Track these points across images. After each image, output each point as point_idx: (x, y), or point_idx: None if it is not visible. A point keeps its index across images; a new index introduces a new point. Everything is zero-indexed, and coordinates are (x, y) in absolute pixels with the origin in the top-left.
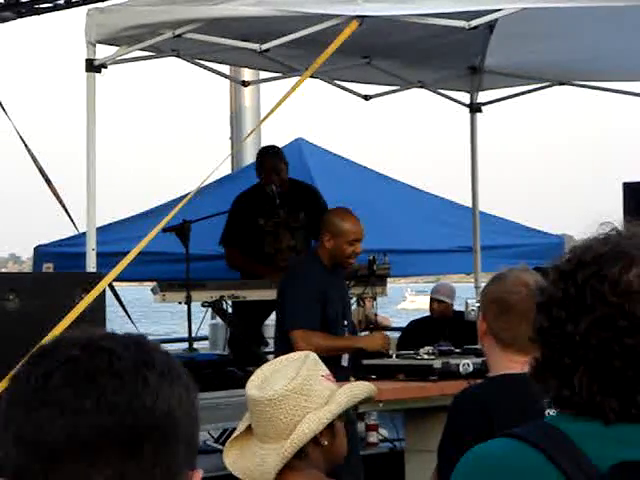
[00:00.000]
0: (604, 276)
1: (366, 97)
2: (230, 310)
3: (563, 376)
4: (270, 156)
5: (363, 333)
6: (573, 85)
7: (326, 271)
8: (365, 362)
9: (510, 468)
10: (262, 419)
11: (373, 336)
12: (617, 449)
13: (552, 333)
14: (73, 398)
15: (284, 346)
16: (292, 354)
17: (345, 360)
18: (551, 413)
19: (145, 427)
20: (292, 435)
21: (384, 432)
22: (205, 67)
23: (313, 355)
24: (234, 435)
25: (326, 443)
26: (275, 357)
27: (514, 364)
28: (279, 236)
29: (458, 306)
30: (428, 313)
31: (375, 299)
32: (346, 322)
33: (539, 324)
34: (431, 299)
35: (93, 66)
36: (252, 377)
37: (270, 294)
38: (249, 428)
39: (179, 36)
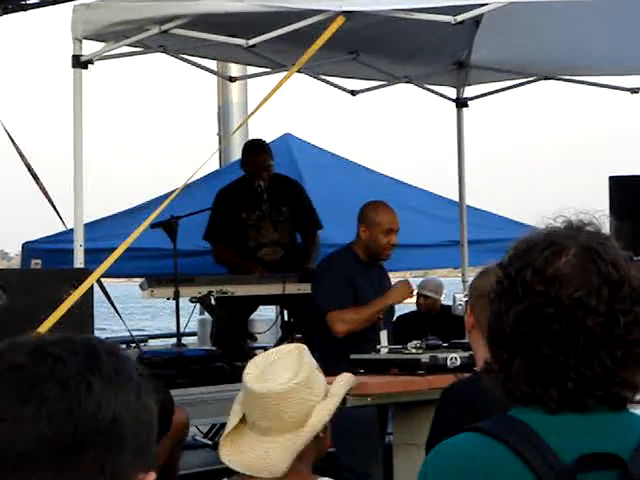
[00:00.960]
0: (531, 265)
1: (353, 92)
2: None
3: (505, 369)
4: (260, 152)
5: None
6: (559, 80)
7: (360, 263)
8: (353, 356)
9: (478, 465)
10: (268, 413)
11: (396, 289)
12: (580, 440)
13: (492, 328)
14: (15, 406)
15: (324, 331)
16: (282, 346)
17: (384, 339)
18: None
19: (86, 434)
20: (305, 428)
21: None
22: (192, 63)
23: (305, 347)
24: (227, 429)
25: (322, 435)
26: (318, 343)
27: None
28: (261, 229)
29: (446, 301)
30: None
31: None
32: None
33: (487, 320)
34: (418, 294)
35: (79, 62)
36: (247, 371)
37: (258, 289)
38: (241, 422)
39: (166, 32)
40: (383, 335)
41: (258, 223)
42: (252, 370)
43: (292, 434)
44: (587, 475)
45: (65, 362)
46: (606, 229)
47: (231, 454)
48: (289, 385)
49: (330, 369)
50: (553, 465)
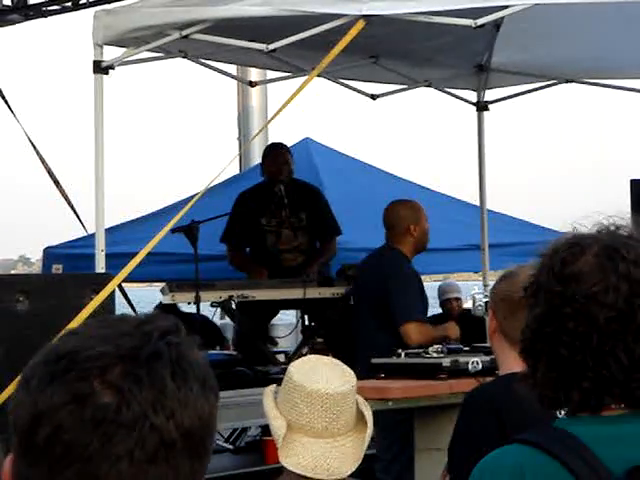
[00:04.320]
0: (550, 267)
1: (373, 96)
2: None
3: (532, 375)
4: (280, 150)
5: None
6: (580, 83)
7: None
8: (374, 361)
9: (526, 477)
10: (343, 413)
11: (452, 326)
12: (629, 451)
13: (522, 335)
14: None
15: (390, 336)
16: (310, 356)
17: None
18: (562, 412)
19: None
20: (368, 428)
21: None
22: (212, 68)
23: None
24: (281, 438)
25: None
26: (363, 351)
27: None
28: (281, 235)
29: (466, 304)
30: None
31: None
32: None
33: (521, 330)
34: (447, 300)
35: (100, 68)
36: (294, 374)
37: (279, 294)
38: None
39: (186, 37)
40: None
41: (278, 229)
42: (300, 372)
43: (351, 435)
44: None
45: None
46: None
47: (286, 456)
48: (348, 386)
49: None
50: (603, 477)
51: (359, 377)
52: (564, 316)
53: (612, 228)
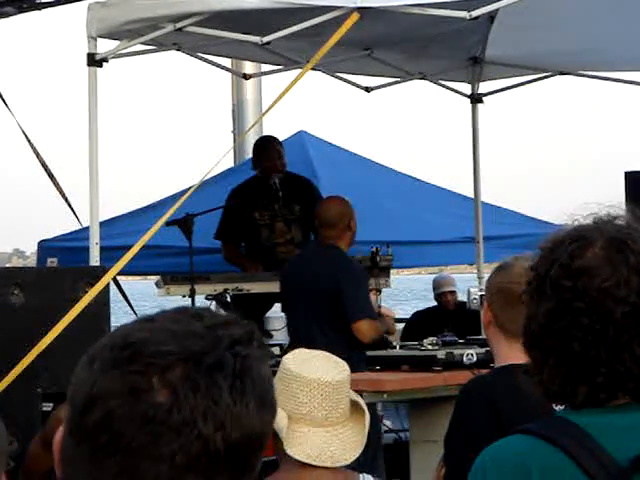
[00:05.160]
0: (557, 261)
1: (367, 89)
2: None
3: (539, 369)
4: (272, 143)
5: None
6: (574, 75)
7: None
8: (369, 353)
9: (531, 468)
10: (341, 401)
11: (389, 320)
12: (633, 440)
13: (527, 329)
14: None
15: (341, 332)
16: (300, 349)
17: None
18: (559, 405)
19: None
20: (366, 416)
21: (388, 423)
22: (206, 60)
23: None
24: (284, 429)
25: None
26: (325, 342)
27: (520, 354)
28: (275, 229)
29: (460, 296)
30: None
31: (380, 292)
32: None
33: (523, 324)
34: (443, 292)
35: (94, 60)
36: (290, 365)
37: (274, 287)
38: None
39: (180, 29)
40: None
41: (271, 222)
42: (296, 363)
43: (347, 424)
44: None
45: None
46: (634, 221)
47: (290, 445)
48: (345, 375)
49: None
50: (608, 466)
51: None
52: (576, 311)
53: (608, 219)
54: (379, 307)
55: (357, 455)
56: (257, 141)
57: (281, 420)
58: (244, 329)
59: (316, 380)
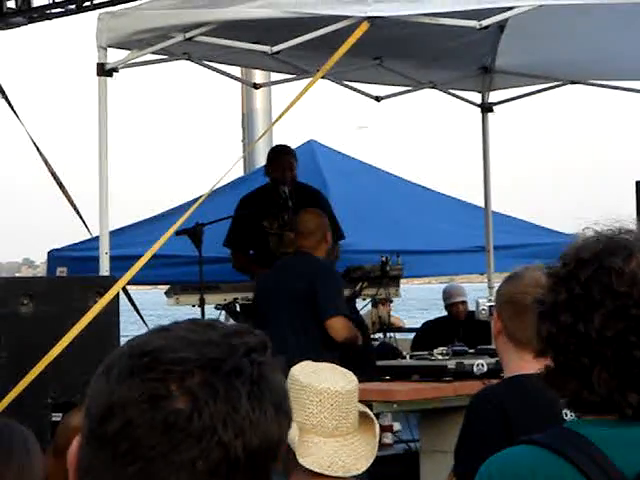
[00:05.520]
0: (608, 268)
1: (377, 98)
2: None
3: (581, 377)
4: (284, 153)
5: (377, 334)
6: (585, 84)
7: None
8: (379, 363)
9: (535, 478)
10: (351, 411)
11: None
12: (638, 453)
13: (563, 337)
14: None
15: (314, 333)
16: (308, 361)
17: None
18: (569, 414)
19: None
20: (376, 425)
21: (397, 426)
22: (216, 70)
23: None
24: (296, 439)
25: None
26: (296, 342)
27: (529, 364)
28: (283, 238)
29: (470, 306)
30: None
31: (390, 302)
32: None
33: (546, 332)
34: (454, 303)
35: (104, 70)
36: (298, 376)
37: None
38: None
39: (190, 39)
40: None
41: (280, 232)
42: (305, 374)
43: (357, 435)
44: None
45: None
46: None
47: (301, 455)
48: (354, 385)
49: None
50: (614, 479)
51: None
52: (634, 318)
53: (627, 229)
54: (389, 316)
55: (368, 464)
56: (270, 149)
57: (292, 431)
58: (258, 338)
59: (326, 390)
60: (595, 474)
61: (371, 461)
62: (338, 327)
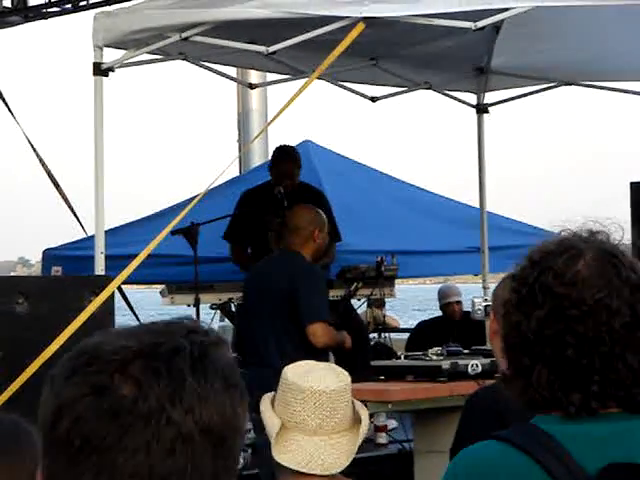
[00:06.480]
0: (550, 269)
1: (373, 99)
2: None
3: (525, 377)
4: (286, 159)
5: (371, 335)
6: (580, 85)
7: None
8: (374, 363)
9: (500, 474)
10: (337, 410)
11: (347, 336)
12: (603, 449)
13: (511, 337)
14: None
15: (294, 333)
16: (306, 361)
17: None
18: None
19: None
20: (362, 425)
21: (392, 423)
22: (212, 70)
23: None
24: (274, 434)
25: None
26: (275, 341)
27: None
28: (282, 235)
29: (465, 306)
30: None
31: (384, 303)
32: None
33: (503, 333)
34: (449, 303)
35: (100, 70)
36: (289, 375)
37: None
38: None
39: (186, 39)
40: None
41: (280, 229)
42: (295, 373)
43: (346, 434)
44: None
45: None
46: (616, 237)
47: (280, 452)
48: (342, 385)
49: None
50: (576, 475)
51: (263, 381)
52: (570, 318)
53: (590, 232)
54: (384, 317)
55: (348, 462)
56: (276, 148)
57: (273, 427)
58: (201, 325)
59: (309, 389)
60: (557, 470)
61: (350, 459)
62: (318, 334)
